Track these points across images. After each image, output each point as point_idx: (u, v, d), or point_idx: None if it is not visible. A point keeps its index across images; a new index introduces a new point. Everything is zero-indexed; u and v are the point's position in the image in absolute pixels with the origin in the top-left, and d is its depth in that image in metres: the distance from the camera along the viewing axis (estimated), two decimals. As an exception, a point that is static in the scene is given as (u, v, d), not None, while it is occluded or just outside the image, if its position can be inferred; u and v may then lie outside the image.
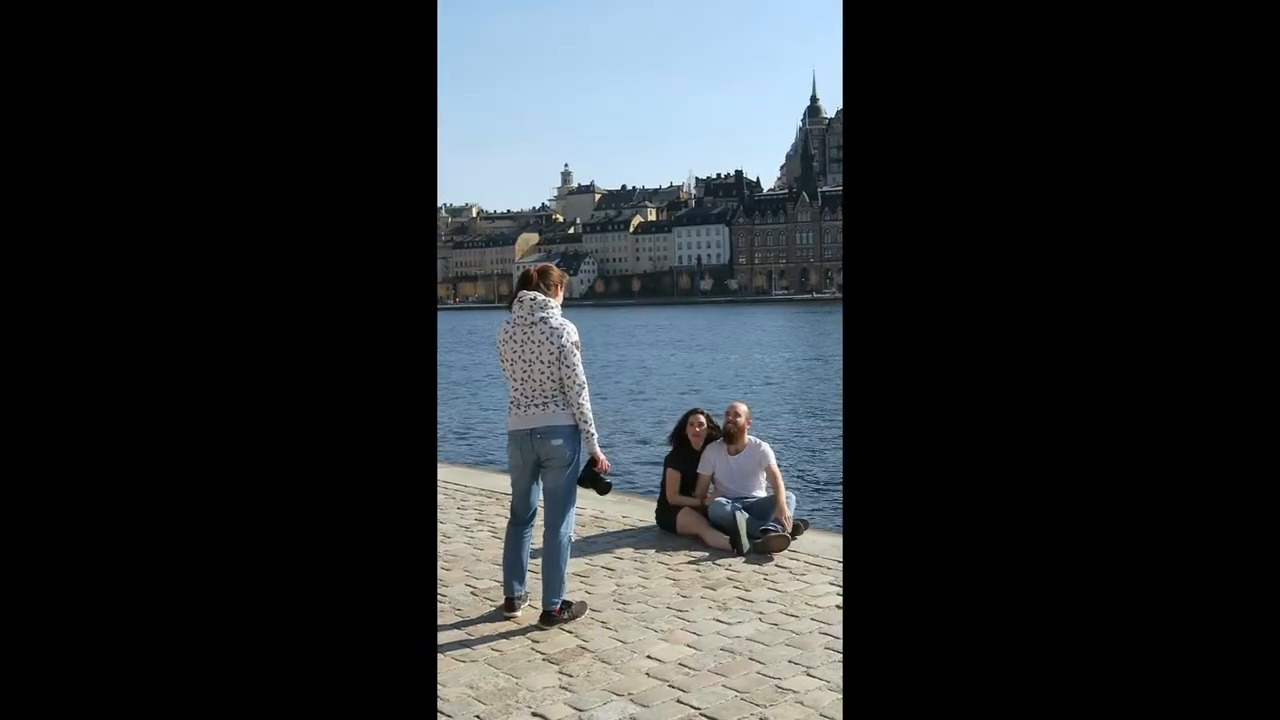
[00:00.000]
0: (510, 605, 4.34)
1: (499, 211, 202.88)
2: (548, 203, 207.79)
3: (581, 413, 4.18)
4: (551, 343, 4.13)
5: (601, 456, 4.29)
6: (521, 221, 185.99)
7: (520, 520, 4.40)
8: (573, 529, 4.34)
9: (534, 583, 4.90)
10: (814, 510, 9.37)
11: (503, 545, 4.51)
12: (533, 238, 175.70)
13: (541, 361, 4.14)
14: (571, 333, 4.19)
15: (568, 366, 4.14)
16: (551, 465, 4.22)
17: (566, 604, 4.27)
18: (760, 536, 5.39)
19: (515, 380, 4.21)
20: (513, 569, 4.36)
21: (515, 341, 4.20)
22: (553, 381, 4.15)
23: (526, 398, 4.19)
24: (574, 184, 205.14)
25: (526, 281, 4.28)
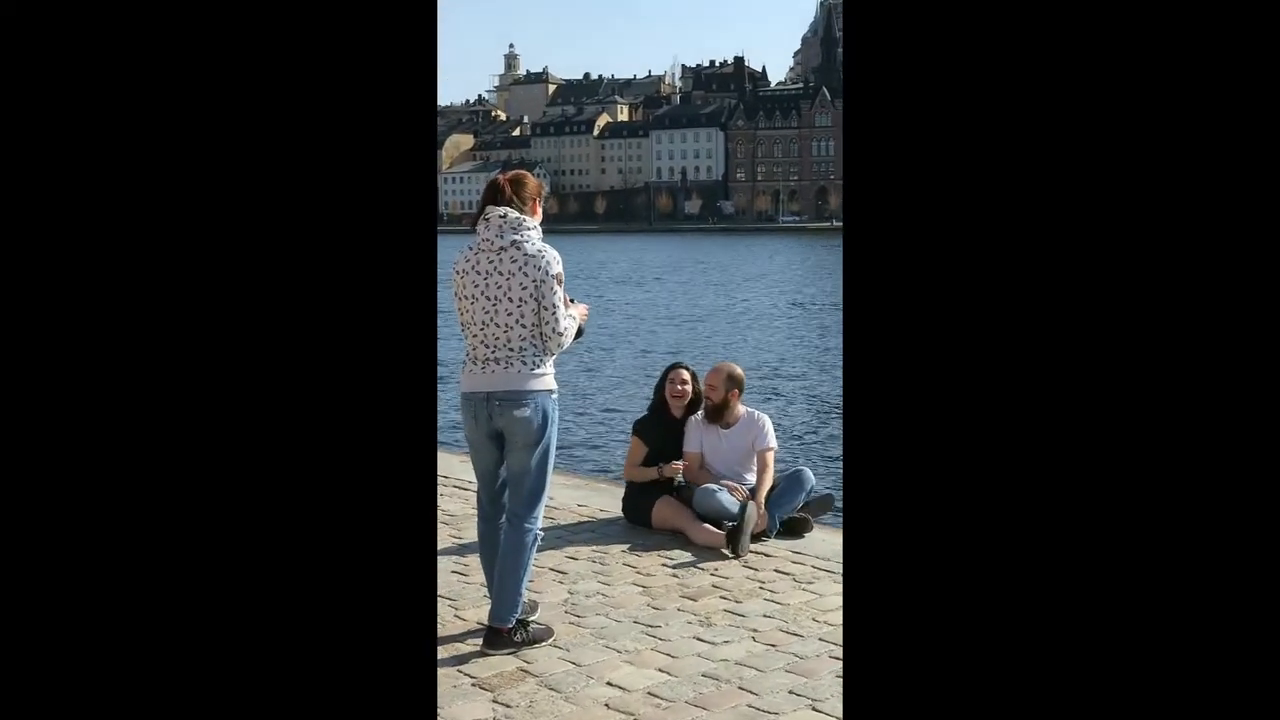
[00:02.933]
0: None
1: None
2: (486, 95, 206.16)
3: (561, 346, 4.10)
4: (526, 274, 4.02)
5: (582, 312, 4.27)
6: (451, 119, 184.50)
7: (489, 515, 4.32)
8: (540, 526, 4.25)
9: (462, 587, 4.94)
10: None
11: (477, 545, 4.45)
12: (465, 140, 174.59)
13: (510, 299, 4.02)
14: (554, 262, 4.06)
15: (547, 307, 4.03)
16: (515, 442, 4.13)
17: (522, 623, 4.19)
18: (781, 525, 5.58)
19: (474, 325, 4.10)
20: (492, 576, 4.26)
21: (479, 273, 4.08)
22: (522, 327, 4.04)
23: (487, 347, 4.08)
24: (521, 71, 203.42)
25: (495, 194, 4.14)
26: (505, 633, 4.14)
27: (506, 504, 4.26)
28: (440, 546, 5.56)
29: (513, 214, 4.08)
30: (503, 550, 4.18)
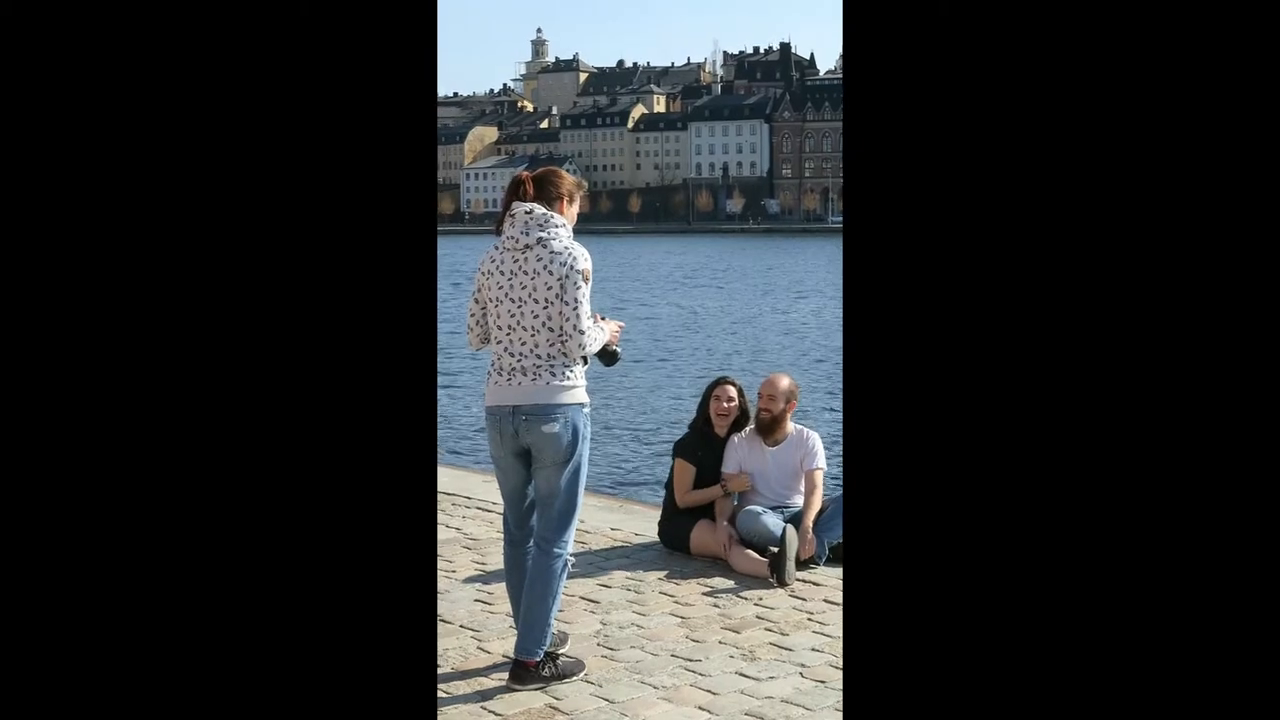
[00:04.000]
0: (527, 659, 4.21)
1: (443, 96, 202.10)
2: (511, 84, 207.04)
3: (583, 347, 4.05)
4: (550, 273, 4.02)
5: (614, 329, 4.26)
6: (474, 110, 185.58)
7: (516, 539, 4.34)
8: (571, 551, 4.25)
9: (486, 617, 4.94)
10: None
11: (503, 572, 4.48)
12: (489, 133, 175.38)
13: (536, 301, 4.03)
14: (580, 258, 4.07)
15: (568, 302, 4.01)
16: (543, 459, 4.14)
17: (551, 657, 4.20)
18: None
19: (500, 330, 4.12)
20: (519, 605, 4.28)
21: (503, 274, 4.10)
22: (550, 331, 4.04)
23: (513, 357, 4.08)
24: (549, 58, 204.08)
25: (515, 192, 4.18)
26: (532, 666, 4.14)
27: (534, 527, 4.27)
28: (464, 574, 5.60)
29: (539, 209, 4.09)
30: (530, 577, 4.19)
